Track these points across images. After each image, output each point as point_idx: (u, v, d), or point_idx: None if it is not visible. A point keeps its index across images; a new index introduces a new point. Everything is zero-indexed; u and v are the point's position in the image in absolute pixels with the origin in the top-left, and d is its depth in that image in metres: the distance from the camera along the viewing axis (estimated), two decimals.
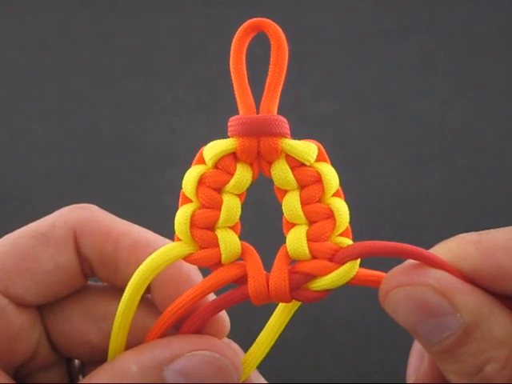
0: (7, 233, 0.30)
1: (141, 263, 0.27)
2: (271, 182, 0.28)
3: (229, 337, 0.30)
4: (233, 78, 0.27)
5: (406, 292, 0.25)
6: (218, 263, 0.27)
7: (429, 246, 0.27)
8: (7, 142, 0.83)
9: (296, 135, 0.27)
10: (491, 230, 0.26)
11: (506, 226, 0.26)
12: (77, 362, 0.32)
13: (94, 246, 0.29)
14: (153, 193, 0.79)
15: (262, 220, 0.64)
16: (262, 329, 0.29)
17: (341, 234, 0.27)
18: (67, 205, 0.31)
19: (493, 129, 0.82)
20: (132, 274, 0.27)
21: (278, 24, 0.27)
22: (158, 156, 0.82)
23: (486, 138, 0.81)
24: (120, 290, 0.28)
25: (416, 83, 0.84)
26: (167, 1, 0.88)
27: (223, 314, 0.30)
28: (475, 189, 0.79)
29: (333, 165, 0.28)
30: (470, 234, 0.26)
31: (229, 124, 0.27)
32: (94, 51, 0.86)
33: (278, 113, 0.27)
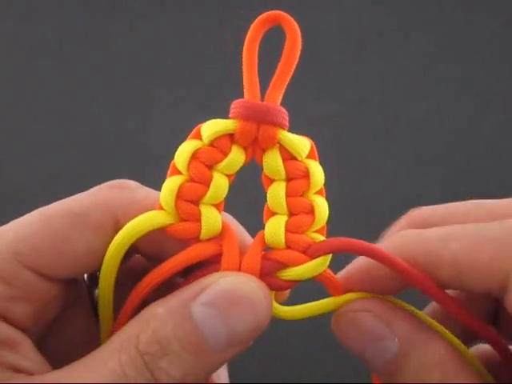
0: None
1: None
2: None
3: None
4: (244, 63, 0.27)
5: (351, 318, 0.27)
6: (196, 238, 0.28)
7: None
8: (7, 142, 0.83)
9: None
10: (432, 228, 0.28)
11: None
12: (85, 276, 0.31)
13: None
14: None
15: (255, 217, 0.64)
16: None
17: (317, 231, 0.28)
18: None
19: (492, 130, 0.82)
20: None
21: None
22: (158, 156, 0.82)
23: (485, 140, 0.81)
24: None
25: (416, 84, 0.84)
26: (167, 1, 0.88)
27: None
28: (474, 190, 0.79)
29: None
30: (412, 229, 0.28)
31: (232, 106, 0.27)
32: (94, 51, 0.86)
33: None
